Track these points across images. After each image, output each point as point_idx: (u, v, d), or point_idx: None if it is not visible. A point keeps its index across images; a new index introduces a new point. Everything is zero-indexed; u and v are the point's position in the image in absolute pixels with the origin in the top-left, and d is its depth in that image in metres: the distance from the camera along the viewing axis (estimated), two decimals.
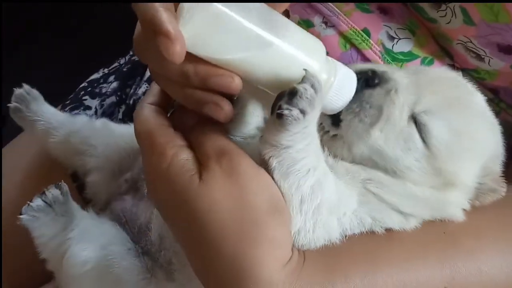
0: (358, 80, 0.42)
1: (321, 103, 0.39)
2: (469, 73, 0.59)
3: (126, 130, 0.61)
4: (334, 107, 0.42)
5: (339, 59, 0.45)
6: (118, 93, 0.72)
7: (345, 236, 0.43)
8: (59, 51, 1.15)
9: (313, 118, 0.39)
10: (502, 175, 0.48)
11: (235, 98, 0.44)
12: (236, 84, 0.38)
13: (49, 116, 0.64)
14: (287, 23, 0.39)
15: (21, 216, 0.52)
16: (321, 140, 0.42)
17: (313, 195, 0.40)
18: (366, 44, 0.59)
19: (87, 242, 0.52)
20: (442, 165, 0.44)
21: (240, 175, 0.39)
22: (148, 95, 0.45)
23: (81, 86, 0.74)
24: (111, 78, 0.74)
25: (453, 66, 0.59)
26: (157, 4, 0.35)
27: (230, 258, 0.38)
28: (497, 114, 0.59)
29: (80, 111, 0.69)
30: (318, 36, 0.50)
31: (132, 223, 0.53)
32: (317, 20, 0.61)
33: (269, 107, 0.39)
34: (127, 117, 0.68)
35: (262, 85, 0.39)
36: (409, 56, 0.59)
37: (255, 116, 0.48)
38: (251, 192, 0.39)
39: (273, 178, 0.40)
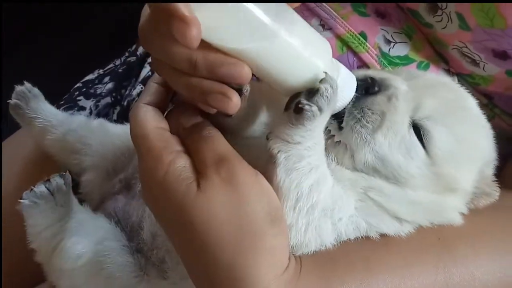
0: (358, 87, 0.43)
1: (335, 106, 0.41)
2: (464, 78, 0.60)
3: (121, 130, 0.61)
4: (335, 107, 0.42)
5: None
6: (113, 94, 0.72)
7: (340, 242, 0.43)
8: (57, 51, 1.15)
9: (325, 118, 0.40)
10: (495, 179, 0.48)
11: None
12: (246, 73, 0.37)
13: (48, 114, 0.64)
14: (299, 21, 0.39)
15: (21, 201, 0.52)
16: (325, 145, 0.43)
17: (309, 194, 0.40)
18: (363, 47, 0.59)
19: (82, 235, 0.51)
20: (443, 171, 0.44)
21: (239, 184, 0.38)
22: (144, 95, 0.44)
23: (75, 86, 0.74)
24: (106, 79, 0.74)
25: (449, 71, 0.60)
26: None
27: (228, 268, 0.38)
28: (491, 119, 0.60)
29: (74, 111, 0.69)
30: None
31: (125, 222, 0.52)
32: (314, 22, 0.62)
33: (274, 110, 0.39)
34: (122, 118, 0.67)
35: (269, 79, 0.39)
36: (405, 60, 0.59)
37: (259, 116, 0.48)
38: (249, 201, 0.38)
39: (273, 178, 0.40)
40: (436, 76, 0.52)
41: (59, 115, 0.64)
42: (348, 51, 0.60)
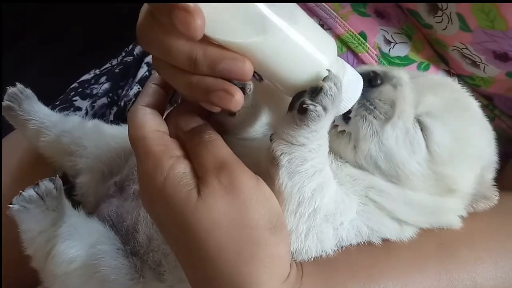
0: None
1: (340, 105, 0.39)
2: (464, 79, 0.59)
3: (117, 131, 0.60)
4: (340, 107, 0.41)
5: None
6: (110, 95, 0.71)
7: (342, 247, 0.42)
8: (53, 51, 1.14)
9: (330, 118, 0.39)
10: (495, 182, 0.48)
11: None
12: (248, 68, 0.36)
13: (42, 116, 0.63)
14: (304, 17, 0.38)
15: (11, 206, 0.51)
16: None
17: (312, 199, 0.39)
18: (363, 47, 0.58)
19: (75, 239, 0.50)
20: (443, 171, 0.44)
21: (240, 191, 0.38)
22: (142, 96, 0.43)
23: (71, 86, 0.73)
24: (103, 79, 0.73)
25: (449, 72, 0.59)
26: None
27: (229, 276, 0.37)
28: (491, 120, 0.59)
29: (69, 112, 0.68)
30: None
31: (119, 225, 0.51)
32: None
33: (277, 109, 0.38)
34: (119, 119, 0.67)
35: (271, 76, 0.38)
36: (405, 61, 0.59)
37: (261, 117, 0.47)
38: (251, 209, 0.38)
39: (275, 181, 0.39)
40: (437, 76, 0.51)
41: (53, 116, 0.63)
42: (347, 51, 0.59)
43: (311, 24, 0.39)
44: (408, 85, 0.45)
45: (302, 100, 0.38)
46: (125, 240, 0.51)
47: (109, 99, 0.71)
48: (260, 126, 0.47)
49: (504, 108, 0.60)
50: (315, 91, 0.37)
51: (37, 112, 0.63)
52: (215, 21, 0.35)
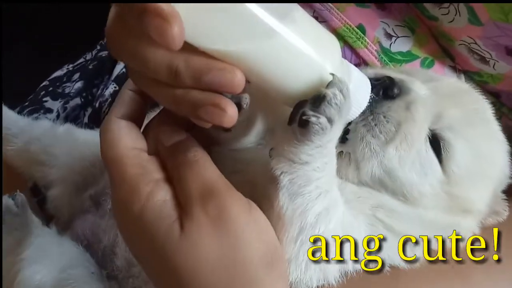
0: (374, 87, 0.37)
1: (348, 114, 0.34)
2: (471, 76, 0.55)
3: (91, 137, 0.54)
4: (348, 116, 0.36)
5: None
6: (83, 94, 0.64)
7: (347, 275, 0.38)
8: (22, 41, 1.05)
9: (338, 131, 0.34)
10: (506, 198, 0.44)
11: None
12: (239, 79, 0.31)
13: (7, 122, 0.57)
14: (302, 15, 0.33)
15: None
16: None
17: (316, 225, 0.35)
18: (361, 42, 0.54)
19: (42, 263, 0.45)
20: (458, 192, 0.40)
21: (230, 223, 0.33)
22: (116, 105, 0.38)
23: (42, 85, 0.67)
24: (76, 76, 0.67)
25: (454, 68, 0.55)
26: None
27: None
28: (498, 119, 0.56)
29: (40, 114, 0.62)
30: None
31: (95, 246, 0.46)
32: None
33: (274, 115, 0.34)
34: (94, 122, 0.61)
35: (267, 86, 0.33)
36: (408, 57, 0.54)
37: (256, 125, 0.42)
38: (243, 243, 0.33)
39: (274, 203, 0.34)
40: (456, 82, 0.47)
41: (20, 122, 0.57)
42: (344, 46, 0.54)
43: (311, 22, 0.34)
44: (423, 103, 0.40)
45: (302, 111, 0.32)
46: (102, 262, 0.46)
47: (82, 100, 0.64)
48: (255, 135, 0.42)
49: None
50: (317, 100, 0.32)
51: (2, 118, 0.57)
52: (197, 26, 0.29)
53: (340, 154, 0.39)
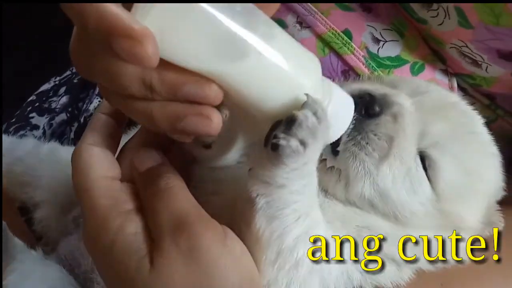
0: (355, 105, 0.36)
1: (326, 136, 0.33)
2: (463, 78, 0.53)
3: None
4: (326, 137, 0.35)
5: None
6: (69, 109, 0.63)
7: None
8: (10, 51, 1.04)
9: (315, 153, 0.33)
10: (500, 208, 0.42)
11: None
12: (214, 91, 0.29)
13: None
14: (279, 32, 0.32)
15: None
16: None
17: (294, 248, 0.34)
18: (348, 48, 0.52)
19: None
20: (449, 209, 0.39)
21: (202, 257, 0.31)
22: (88, 131, 0.37)
23: (29, 100, 0.65)
24: (62, 90, 0.66)
25: (446, 71, 0.53)
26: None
27: None
28: (493, 121, 0.54)
29: (26, 131, 0.61)
30: None
31: (77, 270, 0.45)
32: (290, 19, 0.54)
33: (254, 132, 0.34)
34: (80, 138, 0.60)
35: (243, 103, 0.32)
36: (397, 62, 0.52)
37: (237, 142, 0.40)
38: (216, 278, 0.32)
39: (251, 225, 0.33)
40: (444, 94, 0.44)
41: (5, 142, 0.56)
42: (330, 52, 0.52)
43: (288, 40, 0.32)
44: (411, 114, 0.38)
45: (274, 134, 0.31)
46: (84, 286, 0.45)
47: (68, 115, 0.63)
48: (236, 152, 0.41)
49: (508, 107, 0.54)
50: (290, 122, 0.31)
51: None
52: (172, 43, 0.28)
53: (331, 169, 0.38)
